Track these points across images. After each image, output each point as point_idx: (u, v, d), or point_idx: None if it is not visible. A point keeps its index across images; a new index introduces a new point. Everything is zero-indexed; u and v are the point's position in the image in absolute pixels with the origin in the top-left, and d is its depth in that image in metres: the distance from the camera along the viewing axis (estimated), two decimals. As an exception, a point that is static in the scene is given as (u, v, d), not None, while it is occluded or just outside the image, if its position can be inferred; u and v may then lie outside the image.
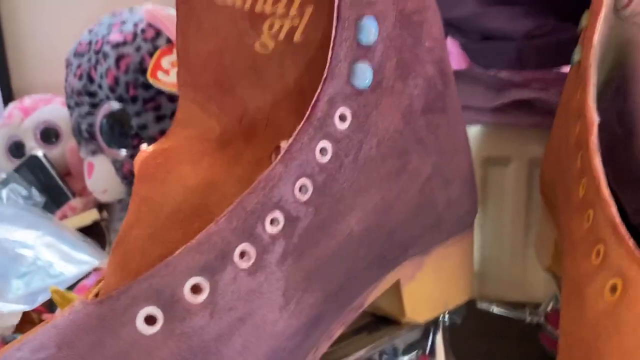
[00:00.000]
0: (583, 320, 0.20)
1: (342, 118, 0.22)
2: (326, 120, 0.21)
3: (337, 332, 0.24)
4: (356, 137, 0.22)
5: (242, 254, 0.20)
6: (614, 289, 0.19)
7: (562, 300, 0.23)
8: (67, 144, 0.49)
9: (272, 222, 0.20)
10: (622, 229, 0.20)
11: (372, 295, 0.26)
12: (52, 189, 0.45)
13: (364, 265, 0.24)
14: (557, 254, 0.30)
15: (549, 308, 0.34)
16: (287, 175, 0.21)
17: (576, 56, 0.28)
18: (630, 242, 0.20)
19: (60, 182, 0.45)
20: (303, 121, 0.21)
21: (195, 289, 0.19)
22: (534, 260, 0.38)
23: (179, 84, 0.26)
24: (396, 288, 0.27)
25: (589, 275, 0.21)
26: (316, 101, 0.21)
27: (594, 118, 0.23)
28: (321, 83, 0.21)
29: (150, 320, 0.18)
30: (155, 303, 0.18)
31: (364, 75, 0.22)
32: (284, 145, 0.21)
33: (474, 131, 0.39)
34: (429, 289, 0.27)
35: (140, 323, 0.18)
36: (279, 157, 0.21)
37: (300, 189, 0.21)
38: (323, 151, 0.22)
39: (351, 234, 0.23)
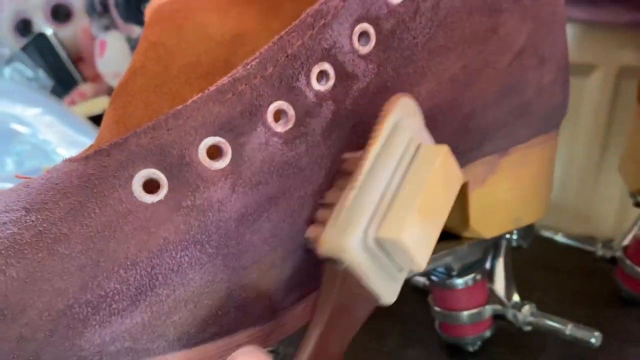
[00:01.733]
0: None
1: (423, -54, 0.16)
2: (402, -56, 0.16)
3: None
4: (439, -24, 0.17)
5: (278, 114, 0.15)
6: None
7: None
8: (80, 24, 0.43)
9: (319, 76, 0.15)
10: None
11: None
12: (61, 72, 0.40)
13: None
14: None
15: (629, 240, 0.29)
16: (344, 13, 0.15)
17: None
18: None
19: (70, 66, 0.40)
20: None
21: (214, 152, 0.14)
22: (605, 190, 0.32)
23: None
24: (462, 192, 0.21)
25: None
26: None
27: None
28: None
29: (151, 185, 0.14)
30: (158, 165, 0.14)
31: None
32: (342, -29, 0.15)
33: (554, 28, 0.33)
34: (500, 199, 0.22)
35: (137, 188, 0.13)
36: (335, -15, 0.15)
37: (360, 37, 0.16)
38: (395, -12, 0.16)
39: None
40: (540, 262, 0.32)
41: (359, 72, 0.16)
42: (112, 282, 0.13)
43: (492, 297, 0.25)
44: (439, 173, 0.14)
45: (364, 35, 0.16)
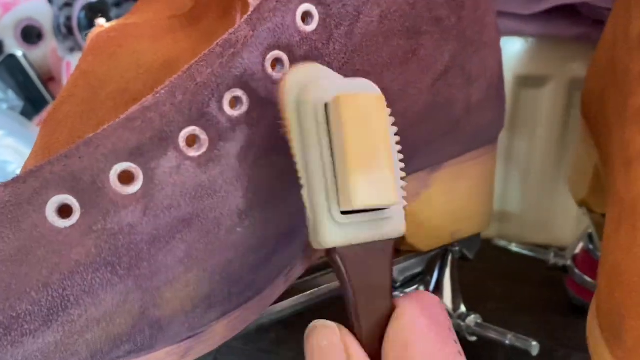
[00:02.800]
0: (637, 249, 0.16)
1: (335, -24, 0.17)
2: (312, -25, 0.16)
3: (318, 253, 0.20)
4: (352, 3, 0.17)
5: (191, 139, 0.15)
6: None
7: (608, 228, 0.19)
8: (50, 45, 0.44)
9: (233, 101, 0.16)
10: None
11: (365, 213, 0.21)
12: (31, 92, 0.41)
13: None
14: (596, 183, 0.25)
15: (578, 249, 0.30)
16: (254, 42, 0.16)
17: None
18: None
19: (40, 86, 0.41)
20: (281, -27, 0.16)
21: (125, 177, 0.15)
22: (564, 197, 0.33)
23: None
24: (396, 207, 0.22)
25: None
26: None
27: None
28: None
29: (64, 211, 0.14)
30: (71, 190, 0.14)
31: None
32: (253, 2, 0.16)
33: (507, 45, 0.33)
34: (435, 213, 0.23)
35: (51, 213, 0.14)
36: (244, 17, 0.16)
37: (273, 63, 0.16)
38: (307, 16, 0.17)
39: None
40: (495, 271, 0.33)
41: (273, 97, 0.16)
42: (24, 303, 0.14)
43: (438, 308, 0.26)
44: (349, 119, 0.14)
45: (278, 61, 0.16)
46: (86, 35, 0.21)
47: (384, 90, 0.19)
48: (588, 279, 0.29)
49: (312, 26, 0.17)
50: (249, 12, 0.16)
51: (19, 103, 0.40)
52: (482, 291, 0.31)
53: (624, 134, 0.20)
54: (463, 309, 0.26)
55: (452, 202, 0.23)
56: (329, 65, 0.17)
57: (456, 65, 0.21)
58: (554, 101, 0.33)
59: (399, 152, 0.16)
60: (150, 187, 0.15)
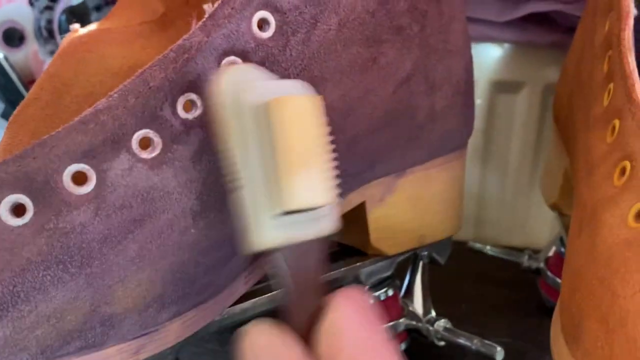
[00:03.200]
0: (596, 253, 0.16)
1: (292, -16, 0.17)
2: (268, -17, 0.17)
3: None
4: (309, 10, 0.18)
5: (145, 141, 0.16)
6: None
7: (571, 233, 0.19)
8: (32, 48, 0.45)
9: (188, 105, 0.16)
10: None
11: (329, 217, 0.21)
12: (13, 94, 0.41)
13: (316, 178, 0.20)
14: (566, 187, 0.26)
15: (551, 252, 0.30)
16: (208, 48, 0.16)
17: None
18: None
19: (22, 88, 0.41)
20: (236, -19, 0.16)
21: (78, 178, 0.15)
22: (540, 200, 0.33)
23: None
24: (361, 211, 0.22)
25: (608, 200, 0.17)
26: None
27: (630, 8, 0.19)
28: None
29: (18, 210, 0.15)
30: (24, 190, 0.15)
31: None
32: (208, 9, 0.16)
33: (482, 51, 0.34)
34: (400, 218, 0.23)
35: (4, 212, 0.15)
36: (199, 23, 0.16)
37: (229, 69, 0.17)
38: (263, 23, 0.17)
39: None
40: (470, 273, 0.33)
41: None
42: (-26, 299, 0.14)
43: (408, 313, 0.26)
44: (283, 122, 0.14)
45: (233, 67, 0.17)
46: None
47: (343, 96, 0.19)
48: (559, 281, 0.29)
49: (268, 33, 0.17)
50: (204, 19, 0.16)
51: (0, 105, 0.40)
52: (457, 293, 0.32)
53: (587, 140, 0.20)
54: (433, 313, 0.26)
55: (419, 208, 0.24)
56: (286, 70, 0.18)
57: (419, 72, 0.21)
58: (529, 106, 0.34)
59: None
60: (102, 188, 0.15)
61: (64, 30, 0.37)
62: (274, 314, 0.21)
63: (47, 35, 0.38)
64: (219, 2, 0.16)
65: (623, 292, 0.15)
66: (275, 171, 0.14)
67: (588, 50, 0.23)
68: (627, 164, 0.17)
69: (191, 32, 0.16)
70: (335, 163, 0.15)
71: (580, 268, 0.17)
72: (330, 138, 0.15)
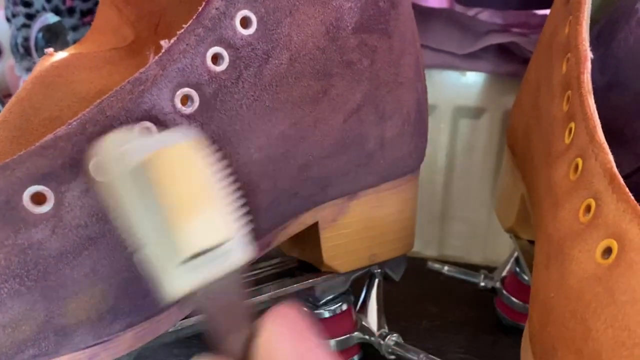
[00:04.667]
0: (567, 287, 0.17)
1: (245, 22, 0.19)
2: (222, 21, 0.18)
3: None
4: (261, 47, 0.19)
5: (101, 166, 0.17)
6: (607, 251, 0.16)
7: (537, 264, 0.20)
8: (8, 62, 0.46)
9: (143, 132, 0.18)
10: (620, 180, 0.16)
11: (282, 235, 0.23)
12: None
13: (269, 200, 0.21)
14: (523, 212, 0.27)
15: (505, 272, 0.31)
16: (163, 80, 0.18)
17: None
18: (630, 196, 0.16)
19: (-4, 102, 0.43)
20: (192, 20, 0.18)
21: (37, 199, 0.16)
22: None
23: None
24: (314, 231, 0.24)
25: (575, 235, 0.17)
26: (209, -2, 0.18)
27: (587, 53, 0.19)
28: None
29: (-20, 228, 0.16)
30: (-14, 209, 0.16)
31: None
32: (165, 45, 0.18)
33: (446, 78, 0.35)
34: (352, 238, 0.25)
35: (-33, 230, 0.16)
36: (155, 57, 0.18)
37: (183, 99, 0.18)
38: (217, 58, 0.19)
39: (250, 162, 0.20)
40: (428, 292, 0.34)
41: (182, 128, 0.18)
42: None
43: (361, 327, 0.27)
44: (163, 175, 0.14)
45: (188, 98, 0.18)
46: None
47: (294, 124, 0.21)
48: (515, 300, 0.30)
49: (222, 67, 0.19)
50: (160, 54, 0.18)
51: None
52: (418, 310, 0.33)
53: (551, 175, 0.21)
54: (385, 328, 0.28)
55: (370, 228, 0.25)
56: (239, 101, 0.19)
57: (369, 103, 0.23)
58: (489, 131, 0.35)
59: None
60: (60, 208, 0.16)
61: (41, 48, 0.38)
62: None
63: (24, 52, 0.39)
64: (174, 39, 0.18)
65: (595, 326, 0.16)
66: (168, 222, 0.14)
67: (545, 87, 0.23)
68: (592, 202, 0.17)
69: (147, 66, 0.17)
70: (238, 194, 0.15)
71: (550, 300, 0.18)
72: (228, 171, 0.15)
